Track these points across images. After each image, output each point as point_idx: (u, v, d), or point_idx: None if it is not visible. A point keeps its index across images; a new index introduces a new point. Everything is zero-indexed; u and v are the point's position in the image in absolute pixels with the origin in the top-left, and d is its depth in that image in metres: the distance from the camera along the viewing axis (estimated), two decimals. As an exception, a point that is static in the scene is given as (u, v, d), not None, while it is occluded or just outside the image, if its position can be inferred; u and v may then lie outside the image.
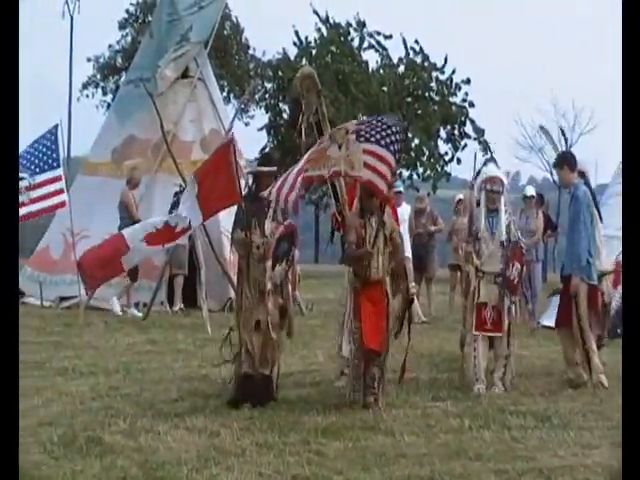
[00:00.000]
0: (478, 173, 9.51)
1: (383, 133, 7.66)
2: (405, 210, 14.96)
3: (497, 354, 9.07)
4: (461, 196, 16.13)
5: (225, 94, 33.04)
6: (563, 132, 10.40)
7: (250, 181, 8.53)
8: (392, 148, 7.65)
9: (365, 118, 7.93)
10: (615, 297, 10.35)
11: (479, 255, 8.97)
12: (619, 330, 10.70)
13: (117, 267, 8.70)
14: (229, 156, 8.24)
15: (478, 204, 9.20)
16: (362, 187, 8.01)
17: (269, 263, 7.98)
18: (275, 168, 8.29)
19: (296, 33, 32.09)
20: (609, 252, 13.61)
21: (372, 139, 7.65)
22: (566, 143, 10.41)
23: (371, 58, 32.45)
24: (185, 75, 17.18)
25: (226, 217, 13.32)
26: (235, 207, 8.36)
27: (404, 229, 14.11)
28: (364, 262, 8.00)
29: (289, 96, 31.53)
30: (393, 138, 7.68)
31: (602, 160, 58.07)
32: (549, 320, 12.40)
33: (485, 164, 9.56)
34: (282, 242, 8.05)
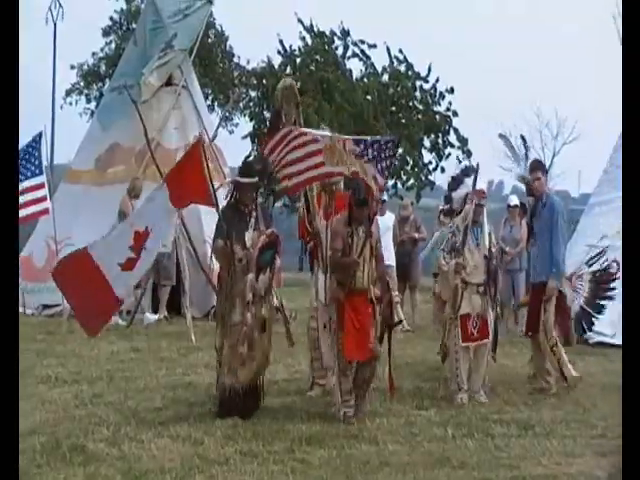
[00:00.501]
0: (457, 183, 9.47)
1: (375, 153, 7.72)
2: (389, 218, 14.98)
3: (479, 363, 9.06)
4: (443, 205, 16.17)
5: (209, 102, 32.98)
6: (524, 139, 10.29)
7: (231, 190, 8.43)
8: (382, 167, 7.73)
9: (362, 138, 7.89)
10: (575, 302, 10.37)
11: (464, 267, 8.93)
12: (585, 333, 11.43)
13: (112, 302, 8.16)
14: (199, 157, 8.13)
15: (451, 213, 9.35)
16: (353, 196, 7.98)
17: (251, 275, 7.89)
18: (256, 179, 8.22)
19: (280, 42, 32.11)
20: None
21: (366, 158, 7.73)
22: (526, 154, 10.36)
23: (355, 67, 32.48)
24: (169, 83, 17.12)
25: (210, 224, 13.35)
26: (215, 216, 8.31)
27: (389, 237, 14.14)
28: (350, 271, 7.95)
29: (272, 105, 31.54)
30: (384, 155, 7.73)
31: (585, 170, 58.34)
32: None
33: (468, 174, 9.39)
34: (265, 251, 7.98)
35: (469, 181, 9.19)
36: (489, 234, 9.10)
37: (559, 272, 9.41)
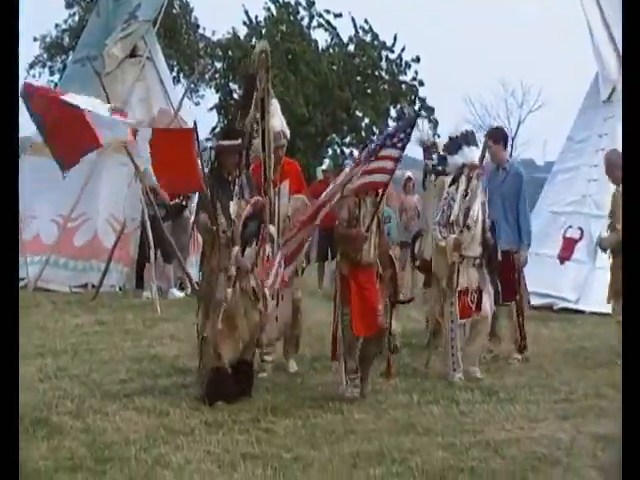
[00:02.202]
0: (455, 146, 8.72)
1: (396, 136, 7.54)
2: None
3: (477, 336, 8.67)
4: (410, 174, 16.20)
5: (175, 74, 32.75)
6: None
7: (212, 158, 7.87)
8: (401, 144, 7.51)
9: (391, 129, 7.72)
10: None
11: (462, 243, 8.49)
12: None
13: (91, 138, 8.03)
14: (191, 145, 7.71)
15: (442, 174, 9.07)
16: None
17: (236, 249, 7.42)
18: (239, 141, 7.67)
19: (246, 12, 31.94)
20: (557, 227, 13.86)
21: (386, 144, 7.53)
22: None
23: (321, 37, 32.40)
24: (133, 54, 16.93)
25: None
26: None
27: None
28: (357, 245, 7.56)
29: (240, 75, 31.35)
30: (402, 135, 7.53)
31: (550, 138, 58.58)
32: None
33: (468, 143, 8.68)
34: (250, 222, 7.54)
35: (468, 150, 8.60)
36: (483, 204, 8.69)
37: (529, 242, 9.47)
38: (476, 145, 8.64)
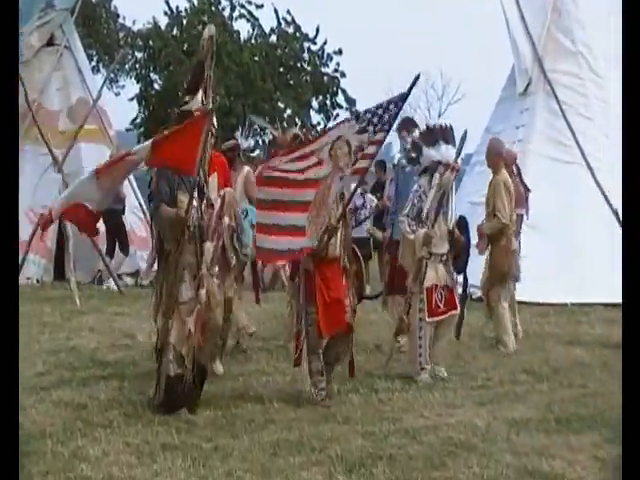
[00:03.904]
0: (432, 138, 8.37)
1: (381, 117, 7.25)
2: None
3: (443, 334, 8.45)
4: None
5: (94, 63, 32.23)
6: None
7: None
8: (387, 127, 7.29)
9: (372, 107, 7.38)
10: None
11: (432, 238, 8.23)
12: None
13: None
14: (200, 130, 6.92)
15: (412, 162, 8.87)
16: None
17: (208, 244, 6.88)
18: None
19: (166, 2, 31.57)
20: (475, 218, 14.01)
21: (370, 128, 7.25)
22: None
23: (242, 28, 32.23)
24: (50, 43, 16.71)
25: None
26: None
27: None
28: (324, 238, 7.19)
29: (160, 64, 31.04)
30: (387, 117, 7.25)
31: (469, 130, 59.09)
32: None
33: (447, 140, 8.31)
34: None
35: (445, 149, 8.25)
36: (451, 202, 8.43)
37: None
38: (453, 143, 8.30)
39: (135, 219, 16.08)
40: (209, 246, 6.88)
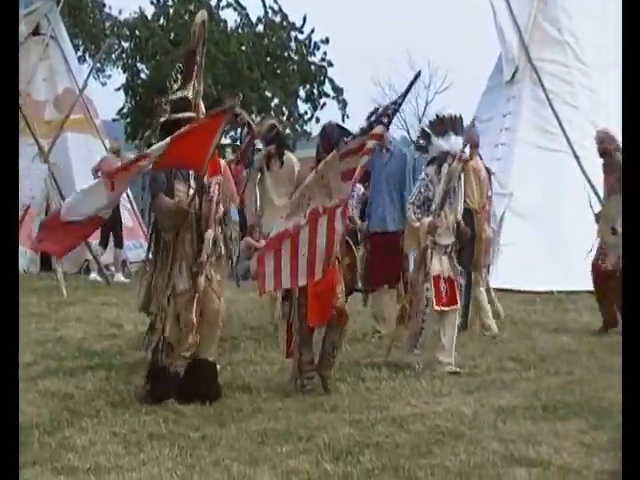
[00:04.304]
0: (442, 128, 8.29)
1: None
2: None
3: (448, 330, 8.27)
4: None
5: (80, 53, 32.12)
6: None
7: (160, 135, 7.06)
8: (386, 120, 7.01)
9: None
10: None
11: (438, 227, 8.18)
12: None
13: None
14: (215, 129, 6.82)
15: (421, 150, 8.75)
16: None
17: (210, 232, 6.86)
18: (194, 114, 7.09)
19: (153, -9, 31.50)
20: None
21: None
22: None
23: (229, 17, 32.14)
24: (36, 32, 16.68)
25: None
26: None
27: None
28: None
29: (146, 54, 30.94)
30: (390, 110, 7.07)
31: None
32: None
33: (456, 131, 8.26)
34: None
35: (454, 139, 8.20)
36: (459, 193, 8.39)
37: None
38: (462, 134, 8.29)
39: (122, 209, 16.06)
40: (210, 234, 6.84)
